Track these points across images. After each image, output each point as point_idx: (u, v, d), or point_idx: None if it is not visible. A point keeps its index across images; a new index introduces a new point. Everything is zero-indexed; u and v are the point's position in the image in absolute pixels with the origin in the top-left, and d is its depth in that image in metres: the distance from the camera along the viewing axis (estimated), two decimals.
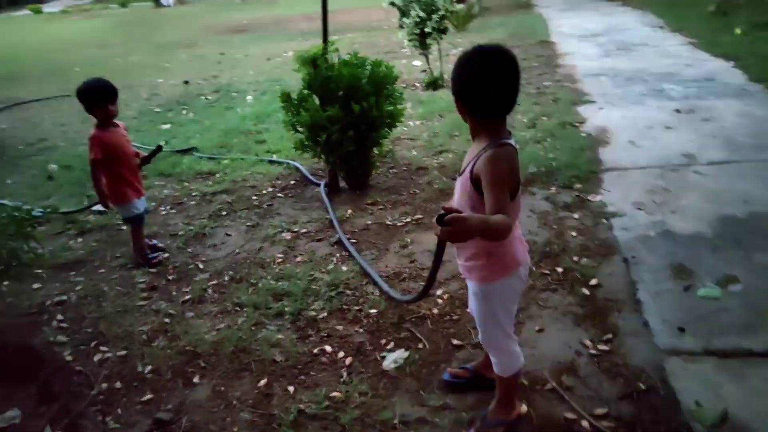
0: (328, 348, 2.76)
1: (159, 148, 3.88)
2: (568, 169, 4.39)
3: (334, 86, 4.44)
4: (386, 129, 4.73)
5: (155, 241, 4.01)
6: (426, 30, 7.47)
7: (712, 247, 3.22)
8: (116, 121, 3.58)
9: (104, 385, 2.64)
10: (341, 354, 2.71)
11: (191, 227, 4.27)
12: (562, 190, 4.16)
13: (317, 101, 4.49)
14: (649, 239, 3.37)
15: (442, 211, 1.61)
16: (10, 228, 3.70)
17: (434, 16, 7.37)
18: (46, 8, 37.45)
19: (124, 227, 4.16)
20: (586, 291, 2.96)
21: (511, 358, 2.11)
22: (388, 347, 2.73)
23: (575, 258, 3.27)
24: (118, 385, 2.64)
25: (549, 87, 6.91)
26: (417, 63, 9.16)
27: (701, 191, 3.92)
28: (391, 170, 5.09)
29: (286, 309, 3.08)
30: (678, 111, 5.56)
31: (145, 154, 3.79)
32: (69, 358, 2.86)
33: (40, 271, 3.81)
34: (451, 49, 10.25)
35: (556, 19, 12.07)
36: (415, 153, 5.37)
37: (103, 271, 3.77)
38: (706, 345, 2.48)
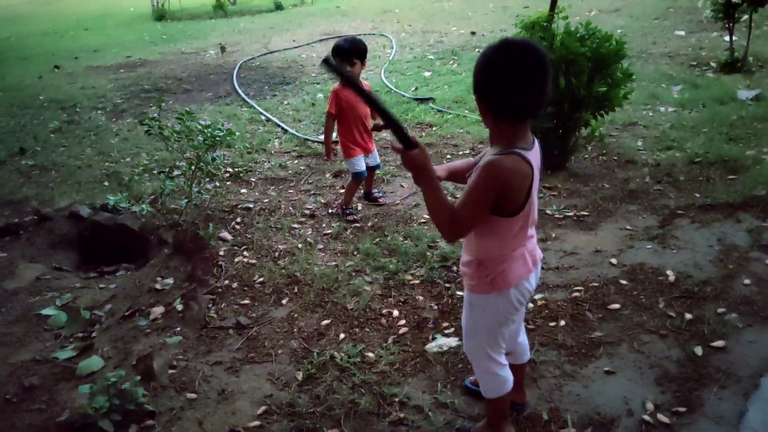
0: (395, 312, 2.86)
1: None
2: None
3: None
4: (600, 112, 4.26)
5: (381, 194, 4.20)
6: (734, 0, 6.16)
7: None
8: (363, 81, 3.88)
9: (226, 282, 3.24)
10: (402, 322, 2.79)
11: (378, 172, 4.64)
12: None
13: None
14: None
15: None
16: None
17: None
18: None
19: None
20: (699, 350, 2.37)
21: (493, 380, 1.93)
22: (447, 331, 2.69)
23: (722, 310, 2.60)
24: (235, 285, 3.22)
25: None
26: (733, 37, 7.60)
27: None
28: (600, 157, 4.60)
29: (389, 266, 3.24)
30: None
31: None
32: (221, 252, 3.55)
33: (254, 180, 4.69)
34: None
35: None
36: (639, 143, 4.70)
37: (291, 191, 4.44)
38: None
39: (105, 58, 10.92)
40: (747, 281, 2.79)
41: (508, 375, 1.94)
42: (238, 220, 3.99)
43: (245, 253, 3.55)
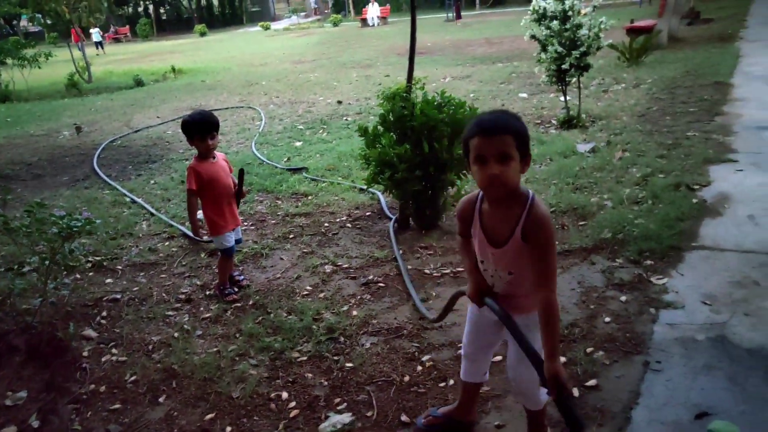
0: (284, 395, 2.74)
1: (241, 172, 3.78)
2: (646, 241, 3.77)
3: (409, 124, 4.39)
4: (462, 172, 4.55)
5: (242, 277, 3.99)
6: (563, 66, 6.98)
7: None
8: (216, 152, 3.66)
9: (92, 386, 2.93)
10: (292, 404, 2.68)
11: (255, 246, 4.54)
12: (627, 264, 3.60)
13: (393, 137, 4.49)
14: (693, 344, 2.76)
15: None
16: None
17: (575, 53, 6.86)
18: (275, 25, 42.59)
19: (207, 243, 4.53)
20: (576, 392, 2.52)
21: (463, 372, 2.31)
22: (339, 407, 2.63)
23: (590, 350, 2.81)
24: (102, 388, 2.92)
25: (691, 138, 6.00)
26: (567, 98, 8.55)
27: None
28: None
29: (274, 345, 3.13)
30: None
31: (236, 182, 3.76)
32: (85, 353, 3.23)
33: (120, 267, 4.37)
34: (612, 85, 9.50)
35: (753, 56, 10.41)
36: None
37: (164, 276, 4.19)
38: None
39: None
40: (607, 319, 3.05)
41: (474, 370, 2.30)
42: (104, 314, 3.67)
43: (114, 350, 3.25)
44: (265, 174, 6.44)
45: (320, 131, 8.52)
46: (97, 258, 4.51)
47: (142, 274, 4.26)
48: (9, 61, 15.95)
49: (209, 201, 3.63)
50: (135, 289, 3.99)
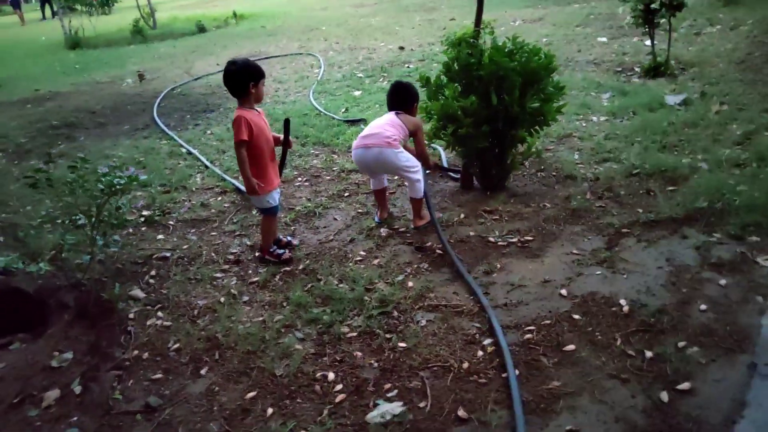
0: (330, 375, 2.52)
1: (287, 122, 3.55)
2: (751, 213, 3.25)
3: (476, 74, 3.95)
4: (535, 127, 4.09)
5: (289, 238, 3.77)
6: (652, 5, 6.20)
7: None
8: (256, 107, 3.36)
9: (135, 352, 2.82)
10: (338, 387, 2.45)
11: (309, 204, 4.31)
12: (727, 240, 3.11)
13: (458, 88, 4.07)
14: None
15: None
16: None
17: None
18: None
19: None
20: (665, 396, 2.16)
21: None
22: (389, 394, 2.38)
23: (682, 344, 2.41)
24: (145, 355, 2.80)
25: None
26: (654, 42, 7.71)
27: None
28: (539, 173, 4.43)
29: (323, 318, 2.90)
30: None
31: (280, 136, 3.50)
32: (131, 315, 3.12)
33: (172, 223, 4.26)
34: (706, 27, 8.51)
35: None
36: (576, 156, 4.57)
37: (214, 233, 4.04)
38: None
39: (10, 92, 10.08)
40: (703, 307, 2.63)
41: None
42: (153, 273, 3.56)
43: (159, 313, 3.13)
44: (322, 126, 6.15)
45: (380, 79, 8.10)
46: (150, 212, 4.41)
47: (193, 230, 4.13)
48: (78, 7, 16.17)
49: (254, 155, 3.31)
50: (185, 247, 3.86)
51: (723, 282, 2.77)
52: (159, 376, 2.65)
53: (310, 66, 9.66)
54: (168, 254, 3.76)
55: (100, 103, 8.62)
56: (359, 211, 4.13)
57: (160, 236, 4.06)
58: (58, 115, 8.04)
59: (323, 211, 4.20)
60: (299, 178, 4.88)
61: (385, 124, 3.69)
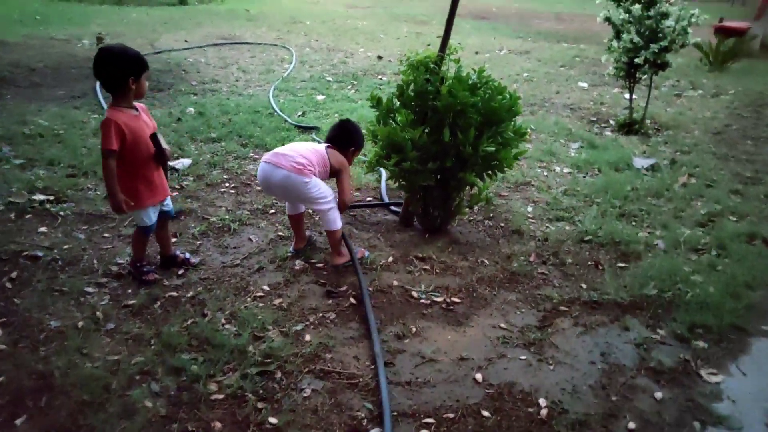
0: None
1: (153, 137, 2.81)
2: (701, 311, 2.89)
3: (431, 103, 3.53)
4: (488, 172, 3.68)
5: (187, 255, 3.25)
6: (636, 60, 5.91)
7: None
8: (137, 103, 2.83)
9: None
10: None
11: (226, 217, 3.81)
12: (671, 340, 2.74)
13: (410, 116, 3.63)
14: None
15: None
16: None
17: (653, 46, 5.78)
18: None
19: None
20: None
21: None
22: None
23: None
24: None
25: None
26: (632, 97, 7.48)
27: None
28: (486, 221, 4.03)
29: (191, 368, 2.41)
30: None
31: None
32: None
33: (63, 214, 3.70)
34: (688, 90, 8.33)
35: None
36: (529, 209, 4.19)
37: (107, 235, 3.51)
38: None
39: None
40: (632, 425, 2.23)
41: None
42: (14, 275, 3.01)
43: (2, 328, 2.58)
44: (271, 127, 5.65)
45: (349, 87, 7.66)
46: (43, 197, 3.84)
47: (84, 227, 3.58)
48: None
49: (130, 165, 2.76)
50: (65, 247, 3.31)
51: (659, 395, 2.39)
52: None
53: (281, 60, 9.14)
54: (41, 253, 3.21)
55: (43, 60, 7.94)
56: (279, 234, 3.66)
57: (43, 228, 3.50)
58: None
59: (239, 228, 3.71)
60: (226, 183, 4.38)
61: (307, 151, 3.20)
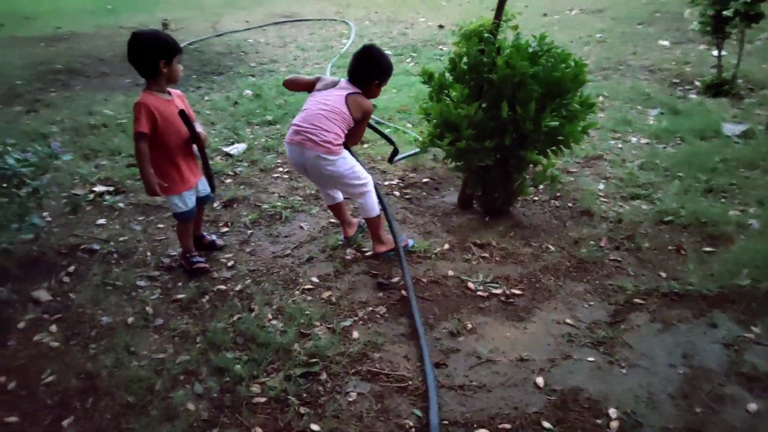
0: None
1: (182, 114, 2.71)
2: None
3: (487, 76, 3.25)
4: (553, 149, 3.38)
5: (213, 237, 3.27)
6: (724, 12, 5.28)
7: None
8: (173, 90, 2.81)
9: (2, 378, 2.31)
10: None
11: (278, 204, 3.72)
12: None
13: (464, 90, 3.38)
14: None
15: None
16: None
17: None
18: None
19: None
20: None
21: None
22: None
23: None
24: (11, 385, 2.29)
25: None
26: (721, 54, 6.73)
27: None
28: (552, 201, 3.73)
29: (234, 368, 2.33)
30: None
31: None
32: (21, 324, 2.61)
33: (122, 205, 3.74)
34: None
35: None
36: (600, 187, 3.83)
37: (162, 226, 3.51)
38: None
39: (32, 27, 9.72)
40: None
41: None
42: (72, 269, 3.05)
43: (53, 327, 2.61)
44: None
45: (407, 60, 7.38)
46: (102, 189, 3.89)
47: (140, 218, 3.60)
48: None
49: (159, 150, 2.71)
50: (122, 239, 3.33)
51: (753, 407, 2.07)
52: (14, 419, 2.13)
53: (339, 35, 8.96)
54: (97, 246, 3.24)
55: (112, 50, 8.15)
56: (331, 221, 3.52)
57: (101, 221, 3.55)
58: (65, 58, 7.62)
59: (291, 215, 3.61)
60: (280, 168, 4.29)
61: (329, 113, 2.84)
